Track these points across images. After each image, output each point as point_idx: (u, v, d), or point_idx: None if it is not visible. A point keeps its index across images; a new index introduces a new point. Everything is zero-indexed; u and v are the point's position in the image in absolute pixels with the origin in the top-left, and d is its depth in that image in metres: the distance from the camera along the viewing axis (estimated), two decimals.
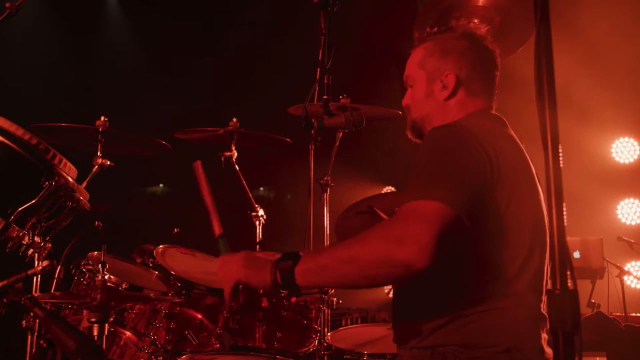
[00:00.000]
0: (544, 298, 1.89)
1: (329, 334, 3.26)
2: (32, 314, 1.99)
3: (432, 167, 1.76)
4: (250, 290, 1.86)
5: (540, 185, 1.97)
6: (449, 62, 2.07)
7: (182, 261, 3.28)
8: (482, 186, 1.76)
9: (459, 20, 2.17)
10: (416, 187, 1.70)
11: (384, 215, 3.19)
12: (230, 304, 1.95)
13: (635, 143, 6.19)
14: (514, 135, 2.03)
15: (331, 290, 3.21)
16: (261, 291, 3.01)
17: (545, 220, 1.94)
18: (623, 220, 6.19)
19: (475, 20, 3.29)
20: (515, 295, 1.83)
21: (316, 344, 3.18)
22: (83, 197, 2.27)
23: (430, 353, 1.84)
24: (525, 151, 1.99)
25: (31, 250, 2.15)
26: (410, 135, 2.21)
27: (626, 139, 6.21)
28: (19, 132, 2.05)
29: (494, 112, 2.12)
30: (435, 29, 2.15)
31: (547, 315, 1.81)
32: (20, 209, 2.03)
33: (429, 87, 2.09)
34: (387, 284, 1.78)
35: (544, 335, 1.88)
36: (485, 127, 1.93)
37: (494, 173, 1.79)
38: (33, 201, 2.06)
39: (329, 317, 3.44)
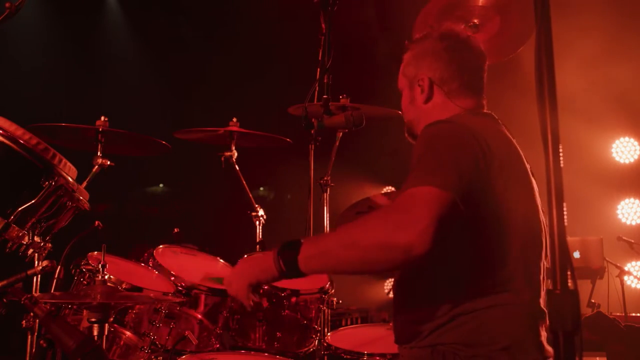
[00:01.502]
0: (543, 294, 1.90)
1: (329, 334, 3.26)
2: (32, 314, 1.99)
3: (427, 158, 1.78)
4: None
5: (540, 185, 1.98)
6: (423, 66, 2.12)
7: (182, 261, 3.28)
8: (476, 175, 1.78)
9: (481, 22, 2.20)
10: (413, 177, 1.73)
11: None
12: (252, 310, 1.99)
13: (636, 143, 6.20)
14: (507, 132, 2.04)
15: (331, 290, 3.21)
16: (261, 291, 3.01)
17: (540, 216, 1.96)
18: (623, 220, 6.19)
19: (475, 21, 3.30)
20: (513, 292, 1.84)
21: (316, 344, 3.18)
22: (83, 197, 2.27)
23: (430, 352, 1.85)
24: (518, 148, 2.00)
25: (31, 250, 2.15)
26: (408, 139, 2.25)
27: (626, 139, 6.22)
28: (19, 132, 2.06)
29: (485, 110, 2.13)
30: (418, 36, 2.19)
31: (546, 311, 1.81)
32: (20, 209, 2.03)
33: (411, 93, 2.16)
34: (388, 269, 1.81)
35: (543, 332, 1.89)
36: (476, 123, 1.95)
37: (486, 163, 1.81)
38: (33, 201, 2.06)
39: (329, 317, 3.44)
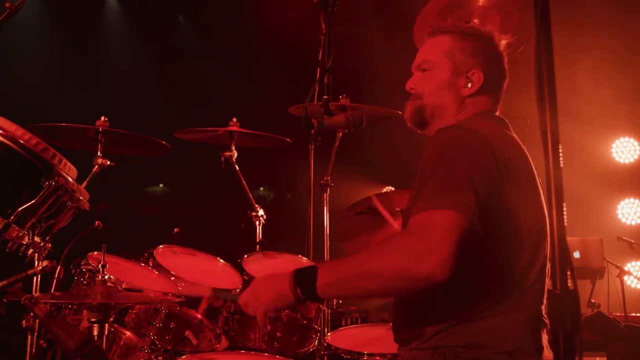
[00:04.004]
0: (545, 300, 1.90)
1: (329, 334, 3.26)
2: (32, 314, 1.99)
3: (441, 173, 1.75)
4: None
5: (541, 186, 1.97)
6: (478, 61, 2.06)
7: (182, 261, 3.28)
8: (490, 186, 1.76)
9: (481, 22, 2.16)
10: (428, 195, 1.70)
11: (385, 212, 3.19)
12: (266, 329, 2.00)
13: (635, 143, 6.19)
14: (516, 137, 2.04)
15: None
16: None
17: (546, 220, 1.94)
18: (623, 220, 6.19)
19: (475, 21, 3.30)
20: (518, 297, 1.84)
21: (316, 344, 3.18)
22: (83, 197, 2.27)
23: (431, 353, 1.85)
24: (526, 152, 2.00)
25: (31, 250, 2.14)
26: (410, 121, 2.15)
27: (626, 139, 6.21)
28: (19, 132, 2.05)
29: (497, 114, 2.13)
30: (461, 22, 2.15)
31: (547, 316, 1.81)
32: (20, 209, 2.03)
33: (452, 79, 2.06)
34: (406, 295, 1.82)
35: (545, 336, 1.88)
36: (490, 128, 1.94)
37: (500, 172, 1.79)
38: (33, 201, 2.05)
39: (329, 317, 3.44)
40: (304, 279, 1.78)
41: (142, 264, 3.17)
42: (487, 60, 2.07)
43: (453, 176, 1.73)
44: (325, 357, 3.18)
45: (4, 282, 1.93)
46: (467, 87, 2.05)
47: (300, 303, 1.82)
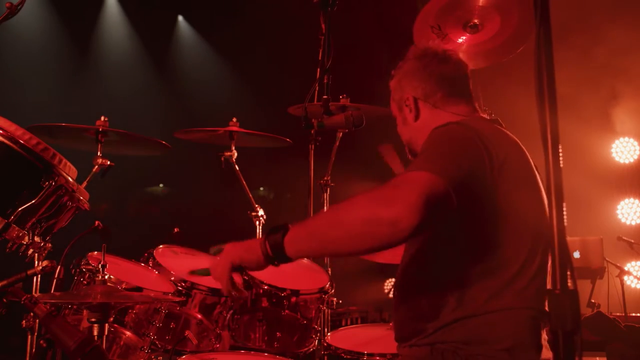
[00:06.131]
0: (545, 297, 1.90)
1: (329, 334, 3.26)
2: (32, 314, 1.99)
3: (428, 151, 1.81)
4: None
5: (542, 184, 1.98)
6: (405, 87, 2.18)
7: (182, 261, 3.28)
8: (477, 173, 1.78)
9: (481, 22, 2.20)
10: (410, 166, 1.75)
11: (395, 163, 3.22)
12: (229, 293, 1.96)
13: (635, 143, 6.19)
14: (514, 137, 2.04)
15: (331, 290, 3.21)
16: (261, 291, 3.01)
17: (547, 220, 1.94)
18: (623, 220, 6.18)
19: (475, 21, 3.29)
20: (517, 294, 1.84)
21: (316, 344, 3.18)
22: (83, 197, 2.27)
23: (430, 350, 1.85)
24: (527, 153, 2.00)
25: (31, 250, 2.15)
26: (411, 158, 2.27)
27: (626, 139, 6.21)
28: (19, 132, 2.05)
29: (481, 114, 2.15)
30: (400, 63, 2.25)
31: (548, 314, 1.81)
32: (20, 209, 2.03)
33: (401, 115, 2.21)
34: (374, 247, 1.75)
35: (545, 335, 1.88)
36: (486, 127, 1.95)
37: (492, 165, 1.81)
38: (33, 201, 2.06)
39: (329, 317, 3.44)
40: (274, 232, 1.79)
41: (142, 264, 3.17)
42: (414, 78, 2.16)
43: (437, 152, 1.79)
44: (325, 357, 3.17)
45: (4, 282, 1.93)
46: (410, 113, 2.16)
47: (270, 262, 1.81)
